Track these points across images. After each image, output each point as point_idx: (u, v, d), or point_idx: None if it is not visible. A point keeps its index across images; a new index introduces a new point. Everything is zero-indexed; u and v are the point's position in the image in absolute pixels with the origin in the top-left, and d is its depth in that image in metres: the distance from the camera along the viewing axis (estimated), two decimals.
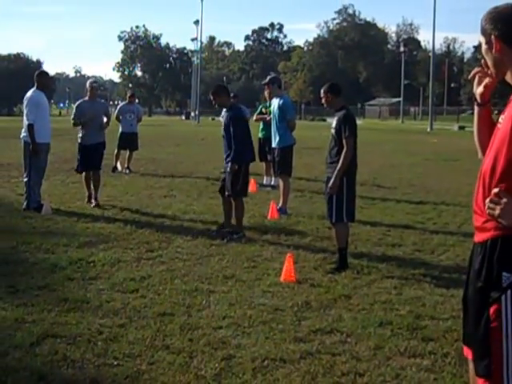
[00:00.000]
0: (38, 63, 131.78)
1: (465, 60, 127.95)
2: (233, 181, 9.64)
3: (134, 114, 18.51)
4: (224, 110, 10.30)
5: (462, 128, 63.54)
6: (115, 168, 17.90)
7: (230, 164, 9.64)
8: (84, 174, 12.42)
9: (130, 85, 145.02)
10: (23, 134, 11.62)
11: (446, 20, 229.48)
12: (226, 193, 9.76)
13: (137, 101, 22.42)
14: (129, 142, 18.18)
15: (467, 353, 3.32)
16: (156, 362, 4.99)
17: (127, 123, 18.34)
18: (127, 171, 17.90)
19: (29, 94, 11.65)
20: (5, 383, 4.57)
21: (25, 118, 11.56)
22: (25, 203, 11.57)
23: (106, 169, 17.36)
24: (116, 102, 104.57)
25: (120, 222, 10.57)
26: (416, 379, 4.77)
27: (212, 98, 9.83)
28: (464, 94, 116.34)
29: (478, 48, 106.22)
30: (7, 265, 7.80)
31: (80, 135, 12.38)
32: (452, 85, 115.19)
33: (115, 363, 4.95)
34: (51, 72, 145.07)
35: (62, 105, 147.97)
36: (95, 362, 4.96)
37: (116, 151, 18.11)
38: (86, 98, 12.53)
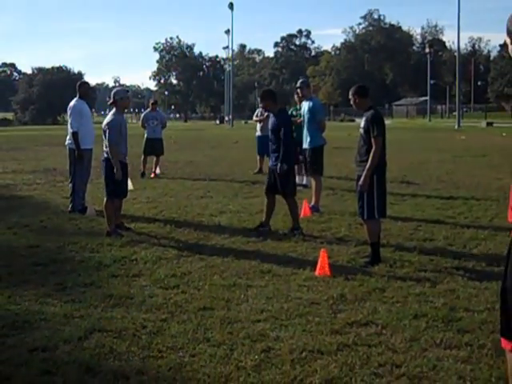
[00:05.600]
0: (80, 74, 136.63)
1: (491, 58, 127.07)
2: (284, 181, 9.83)
3: (157, 121, 18.82)
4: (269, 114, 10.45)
5: (490, 124, 62.90)
6: (143, 173, 18.10)
7: (280, 165, 9.77)
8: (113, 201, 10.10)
9: (166, 92, 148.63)
10: (68, 141, 11.99)
11: (470, 20, 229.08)
12: (282, 192, 9.95)
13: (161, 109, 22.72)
14: (154, 147, 18.51)
15: (505, 344, 3.32)
16: (198, 354, 5.12)
17: (151, 129, 18.73)
18: (152, 175, 18.14)
19: (72, 103, 12.02)
20: (55, 375, 4.75)
21: (69, 126, 11.92)
22: (70, 206, 11.96)
23: (135, 173, 17.72)
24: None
25: (160, 222, 10.84)
26: (453, 370, 4.79)
27: (261, 100, 10.02)
28: (491, 91, 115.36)
29: (503, 46, 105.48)
30: (55, 263, 8.11)
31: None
32: (479, 83, 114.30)
33: (159, 355, 5.10)
34: (92, 82, 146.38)
35: (103, 113, 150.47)
36: (140, 354, 5.12)
37: (143, 157, 18.44)
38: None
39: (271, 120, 10.06)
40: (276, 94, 10.24)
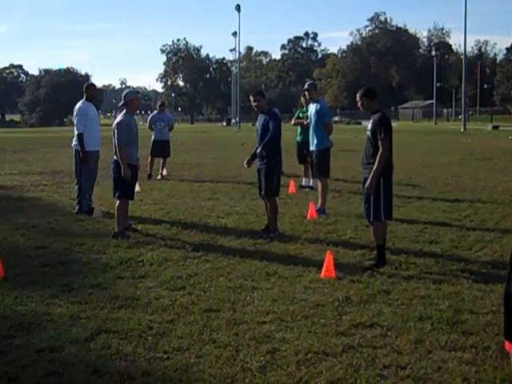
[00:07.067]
0: (87, 76, 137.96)
1: (497, 61, 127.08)
2: (268, 181, 9.84)
3: (164, 123, 18.87)
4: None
5: (495, 128, 62.71)
6: (150, 175, 18.14)
7: (266, 165, 9.79)
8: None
9: (173, 94, 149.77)
10: (74, 142, 12.05)
11: (477, 23, 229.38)
12: (262, 192, 9.97)
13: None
14: (161, 149, 18.53)
15: (509, 347, 3.32)
16: (204, 355, 5.15)
17: (158, 131, 18.76)
18: (159, 177, 18.22)
19: (78, 105, 12.09)
20: (62, 376, 4.77)
21: (75, 127, 11.97)
22: (77, 207, 12.05)
23: (142, 175, 17.78)
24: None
25: (167, 224, 10.88)
26: (458, 372, 4.80)
27: (253, 100, 10.01)
28: (497, 94, 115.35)
29: (509, 50, 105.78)
30: (62, 265, 8.16)
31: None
32: (485, 86, 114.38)
33: (165, 357, 5.13)
34: (98, 84, 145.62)
35: (109, 115, 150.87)
36: (146, 355, 5.15)
37: (149, 159, 18.46)
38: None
39: (261, 120, 10.07)
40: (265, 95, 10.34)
